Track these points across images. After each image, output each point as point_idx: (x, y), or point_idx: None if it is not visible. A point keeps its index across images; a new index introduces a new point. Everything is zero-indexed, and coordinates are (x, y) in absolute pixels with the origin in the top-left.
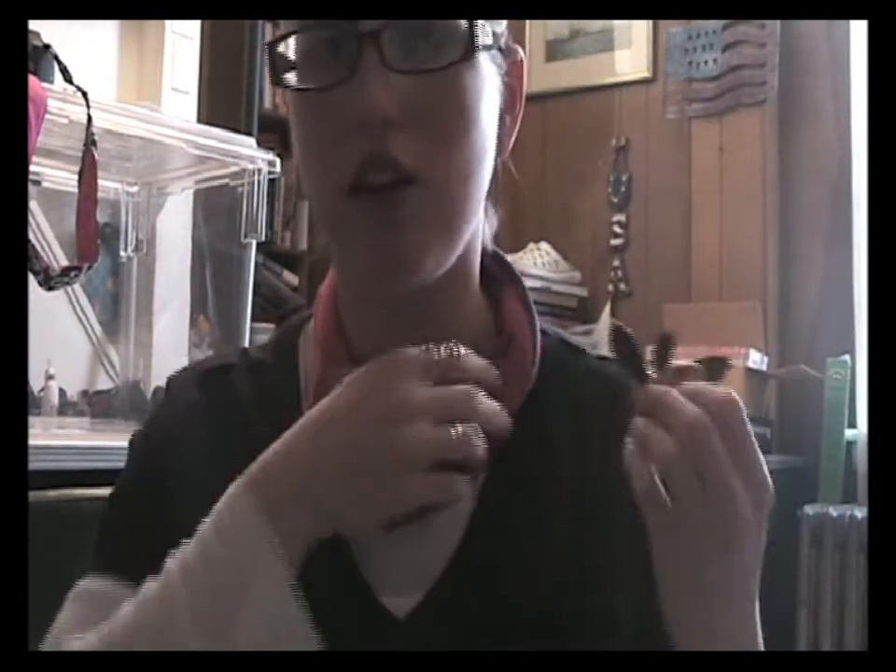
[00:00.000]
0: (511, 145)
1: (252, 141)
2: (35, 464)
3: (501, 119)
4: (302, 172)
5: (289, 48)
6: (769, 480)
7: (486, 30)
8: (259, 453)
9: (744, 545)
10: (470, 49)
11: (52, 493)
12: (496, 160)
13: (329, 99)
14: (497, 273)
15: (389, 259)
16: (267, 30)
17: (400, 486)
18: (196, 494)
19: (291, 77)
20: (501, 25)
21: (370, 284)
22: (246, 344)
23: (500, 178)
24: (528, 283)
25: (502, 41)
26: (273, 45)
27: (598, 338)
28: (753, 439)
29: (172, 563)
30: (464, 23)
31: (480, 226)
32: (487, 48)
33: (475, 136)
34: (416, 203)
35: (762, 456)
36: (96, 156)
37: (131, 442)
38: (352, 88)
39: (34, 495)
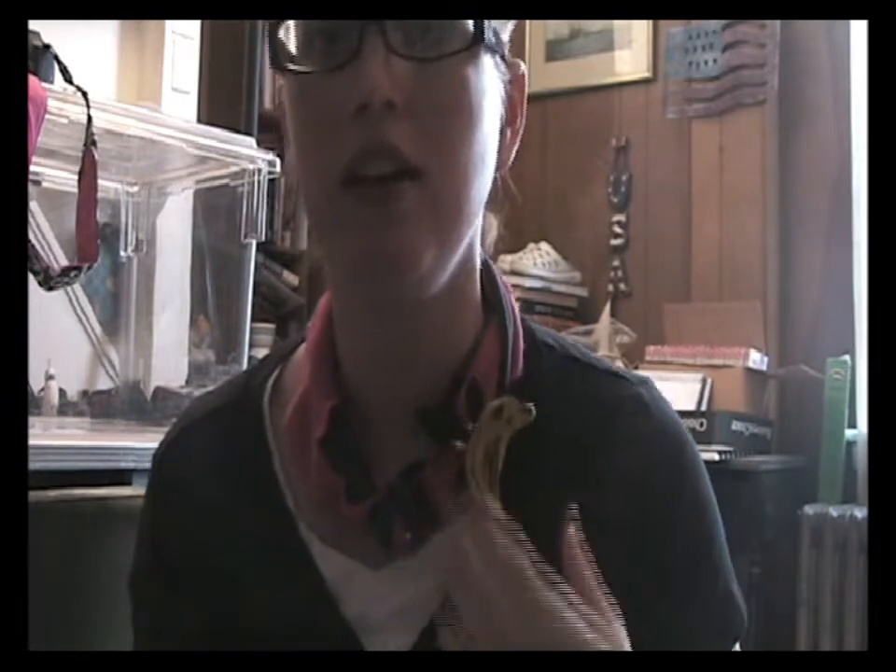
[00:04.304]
0: (510, 160)
1: (252, 141)
2: (34, 464)
3: (502, 132)
4: (296, 163)
5: (289, 32)
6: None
7: (491, 29)
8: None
9: None
10: (476, 39)
11: (52, 493)
12: (495, 173)
13: (329, 83)
14: (488, 294)
15: (383, 258)
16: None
17: None
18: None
19: (294, 61)
20: (507, 33)
21: (362, 284)
22: (245, 348)
23: (500, 193)
24: (528, 283)
25: (506, 50)
26: (273, 29)
27: (598, 337)
28: None
29: None
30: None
31: (478, 238)
32: (492, 50)
33: (477, 136)
34: (414, 199)
35: None
36: (96, 156)
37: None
38: (354, 70)
39: (34, 495)
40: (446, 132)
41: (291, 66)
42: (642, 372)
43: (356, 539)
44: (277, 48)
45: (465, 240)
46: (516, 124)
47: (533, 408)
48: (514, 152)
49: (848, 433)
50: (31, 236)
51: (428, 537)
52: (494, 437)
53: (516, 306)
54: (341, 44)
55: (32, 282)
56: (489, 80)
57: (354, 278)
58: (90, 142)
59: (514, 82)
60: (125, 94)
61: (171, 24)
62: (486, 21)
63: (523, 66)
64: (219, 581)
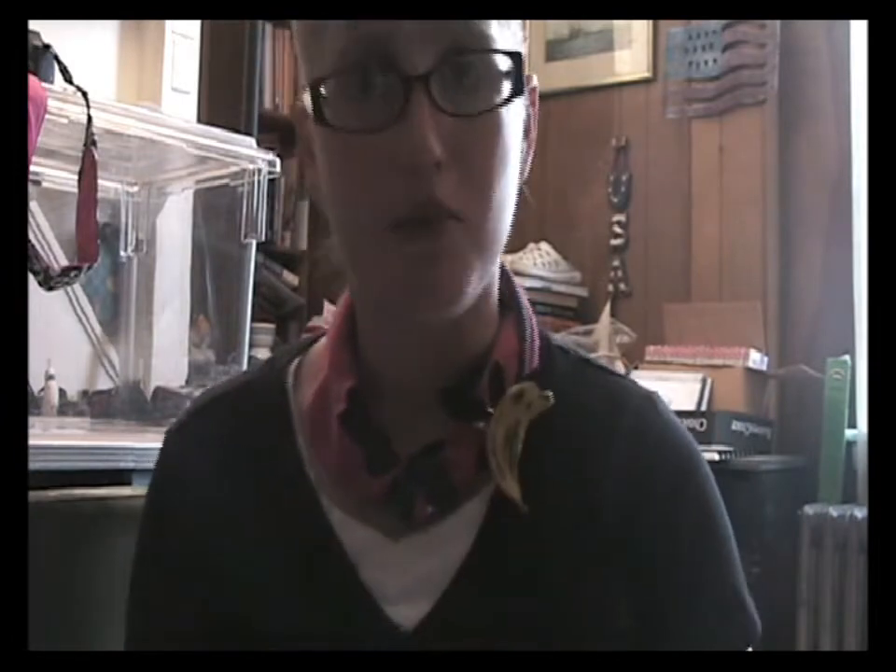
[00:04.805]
0: (528, 169)
1: (252, 141)
2: (34, 464)
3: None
4: (334, 207)
5: (331, 88)
6: None
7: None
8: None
9: None
10: (518, 89)
11: (52, 493)
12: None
13: (374, 140)
14: (503, 293)
15: (427, 291)
16: (267, 30)
17: None
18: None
19: (334, 117)
20: (525, 48)
21: (403, 314)
22: (245, 348)
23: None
24: (528, 283)
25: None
26: (315, 85)
27: (598, 337)
28: None
29: None
30: (510, 63)
31: None
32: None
33: (510, 172)
34: (455, 236)
35: None
36: (96, 156)
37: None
38: (401, 130)
39: (34, 495)
40: (485, 177)
41: (336, 123)
42: (644, 374)
43: (376, 511)
44: (320, 103)
45: (497, 262)
46: (531, 134)
47: (551, 395)
48: (530, 161)
49: (848, 433)
50: (31, 236)
51: (448, 511)
52: (514, 420)
53: (529, 306)
54: (383, 101)
55: (32, 282)
56: (515, 110)
57: (394, 308)
58: (90, 142)
59: (529, 96)
60: (125, 94)
61: (171, 24)
62: (523, 65)
63: (535, 79)
64: (238, 548)
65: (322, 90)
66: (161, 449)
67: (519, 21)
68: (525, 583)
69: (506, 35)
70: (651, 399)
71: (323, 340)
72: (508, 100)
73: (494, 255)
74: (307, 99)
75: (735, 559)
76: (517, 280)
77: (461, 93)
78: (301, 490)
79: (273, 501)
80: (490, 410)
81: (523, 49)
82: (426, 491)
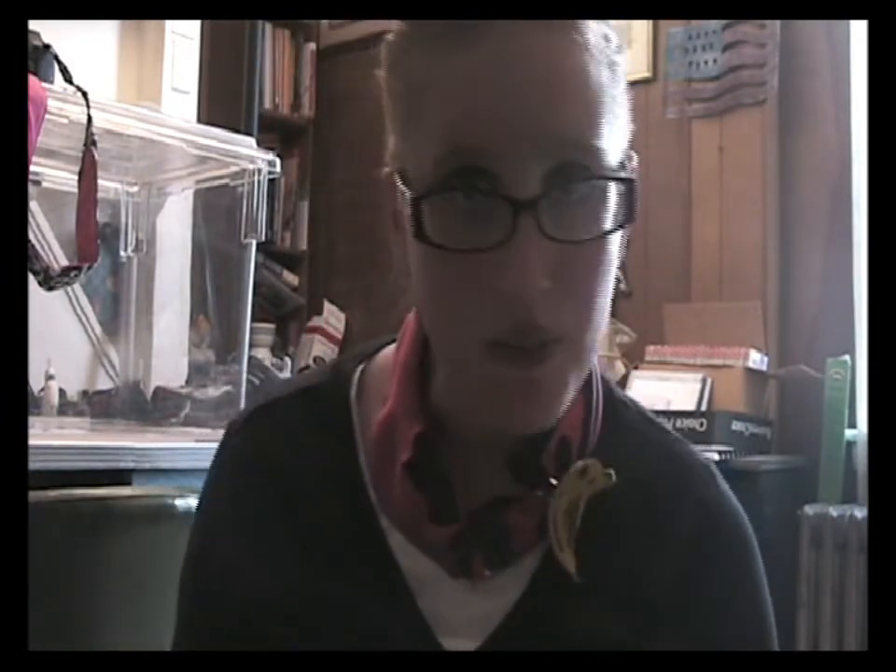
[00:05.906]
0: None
1: (252, 141)
2: (34, 464)
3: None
4: (430, 317)
5: (430, 203)
6: None
7: (629, 171)
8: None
9: None
10: (629, 216)
11: (52, 493)
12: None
13: (476, 261)
14: None
15: (522, 416)
16: (267, 30)
17: None
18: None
19: (435, 233)
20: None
21: (497, 428)
22: (245, 348)
23: None
24: None
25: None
26: (416, 201)
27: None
28: None
29: None
30: (622, 188)
31: None
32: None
33: (610, 280)
34: (556, 360)
35: None
36: (96, 156)
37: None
38: (506, 256)
39: (34, 495)
40: (589, 298)
41: (438, 241)
42: (644, 374)
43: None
44: (422, 220)
45: None
46: (629, 220)
47: (614, 474)
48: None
49: (848, 433)
50: (31, 236)
51: (505, 568)
52: (576, 495)
53: (598, 367)
54: (488, 223)
55: (32, 282)
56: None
57: (491, 423)
58: (90, 142)
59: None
60: (125, 94)
61: (171, 24)
62: (636, 191)
63: (635, 158)
64: (294, 553)
65: (424, 206)
66: (225, 440)
67: (625, 105)
68: (571, 634)
69: (615, 134)
70: (711, 472)
71: (390, 349)
72: (617, 228)
73: (590, 359)
74: (396, 177)
75: (774, 636)
76: None
77: (569, 217)
78: (361, 509)
79: (331, 516)
80: (553, 481)
81: (627, 128)
82: (485, 553)
